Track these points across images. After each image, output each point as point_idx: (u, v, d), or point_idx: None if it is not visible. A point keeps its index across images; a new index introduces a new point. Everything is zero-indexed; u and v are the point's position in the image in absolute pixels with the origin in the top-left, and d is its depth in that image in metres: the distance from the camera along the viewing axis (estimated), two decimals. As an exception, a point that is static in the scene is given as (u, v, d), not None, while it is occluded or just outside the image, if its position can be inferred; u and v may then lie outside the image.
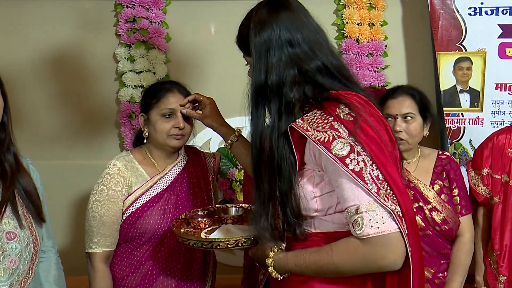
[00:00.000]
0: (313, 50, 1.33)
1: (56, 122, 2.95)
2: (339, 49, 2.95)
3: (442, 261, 2.11)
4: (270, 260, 1.37)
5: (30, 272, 1.56)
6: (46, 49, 2.90)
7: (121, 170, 1.87)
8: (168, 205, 1.88)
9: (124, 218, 1.86)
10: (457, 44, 2.70)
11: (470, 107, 2.72)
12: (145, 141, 1.95)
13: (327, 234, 1.34)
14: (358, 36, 2.91)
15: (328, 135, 1.24)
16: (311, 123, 1.28)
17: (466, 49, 2.68)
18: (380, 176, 1.23)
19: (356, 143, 1.23)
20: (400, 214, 1.21)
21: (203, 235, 1.60)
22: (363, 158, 1.22)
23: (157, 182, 1.90)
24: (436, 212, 2.07)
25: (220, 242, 1.48)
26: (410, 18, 2.97)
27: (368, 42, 2.92)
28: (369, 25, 2.93)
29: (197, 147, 2.16)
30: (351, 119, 1.26)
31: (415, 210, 2.06)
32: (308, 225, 1.37)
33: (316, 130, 1.26)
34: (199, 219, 1.69)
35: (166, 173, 1.92)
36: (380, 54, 2.94)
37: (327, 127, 1.26)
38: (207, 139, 2.93)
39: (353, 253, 1.24)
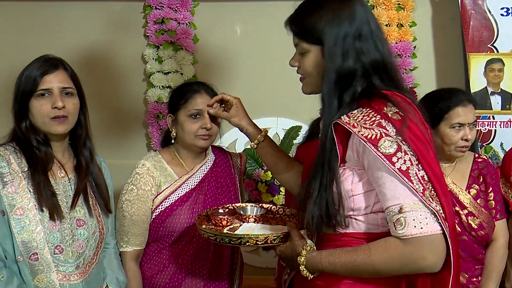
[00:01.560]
0: (377, 48, 1.34)
1: (85, 122, 3.00)
2: (366, 50, 2.92)
3: (476, 266, 2.07)
4: (303, 258, 1.35)
5: (95, 258, 1.69)
6: (76, 51, 2.95)
7: (150, 170, 1.89)
8: (196, 205, 1.90)
9: (153, 217, 1.88)
10: (488, 45, 2.64)
11: (501, 109, 2.66)
12: (173, 141, 1.96)
13: (360, 234, 1.33)
14: (387, 37, 2.88)
15: (376, 132, 1.24)
16: (357, 119, 1.28)
17: (498, 50, 2.62)
18: (426, 177, 1.22)
19: (403, 142, 1.23)
20: (444, 215, 1.20)
21: (226, 231, 1.59)
22: (409, 158, 1.22)
23: (185, 181, 1.92)
24: (472, 217, 2.02)
25: (249, 238, 1.45)
26: (440, 18, 2.93)
27: (396, 43, 2.89)
28: (397, 26, 2.90)
29: (224, 147, 2.17)
30: (399, 118, 1.26)
31: None
32: (339, 225, 1.35)
33: (363, 127, 1.26)
34: (221, 217, 1.68)
35: (194, 173, 1.94)
36: (408, 55, 2.90)
37: (375, 124, 1.25)
38: (233, 140, 2.94)
39: (393, 252, 1.22)
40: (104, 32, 2.99)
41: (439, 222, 1.19)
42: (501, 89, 2.65)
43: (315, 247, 1.38)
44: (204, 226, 1.63)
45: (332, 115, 1.33)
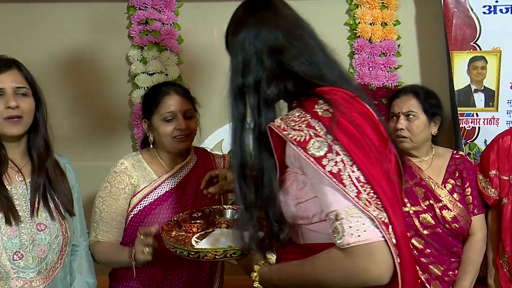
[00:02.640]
0: (293, 45, 1.25)
1: (70, 124, 2.98)
2: (351, 49, 2.94)
3: (452, 259, 2.11)
4: (255, 274, 1.29)
5: (59, 262, 1.65)
6: (60, 52, 2.93)
7: (128, 169, 1.89)
8: (176, 205, 1.89)
9: (131, 216, 1.88)
10: (471, 43, 2.66)
11: (485, 106, 2.68)
12: (151, 146, 1.96)
13: (315, 245, 1.22)
14: (371, 36, 2.89)
15: (305, 134, 1.14)
16: (287, 121, 1.18)
17: (481, 48, 2.65)
18: (362, 178, 1.10)
19: (334, 142, 1.12)
20: (386, 220, 1.08)
21: (193, 240, 1.53)
22: (342, 158, 1.10)
23: (165, 181, 1.91)
24: (447, 210, 2.08)
25: (207, 252, 1.38)
26: (424, 17, 2.94)
27: (380, 41, 2.90)
28: (381, 24, 2.91)
29: (207, 149, 2.16)
30: (329, 115, 1.15)
31: (425, 207, 2.06)
32: (296, 236, 1.28)
33: (293, 129, 1.16)
34: (192, 222, 1.62)
35: (174, 173, 1.93)
36: (393, 54, 2.92)
37: (304, 125, 1.16)
38: (219, 140, 2.93)
39: (334, 265, 1.11)
40: (88, 33, 2.96)
41: (380, 229, 1.06)
42: (484, 86, 2.68)
43: (273, 261, 1.30)
44: (174, 233, 1.59)
45: (238, 128, 1.27)
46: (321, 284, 1.16)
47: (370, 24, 2.90)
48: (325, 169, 1.11)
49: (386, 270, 1.07)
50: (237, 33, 1.29)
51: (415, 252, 2.07)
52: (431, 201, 2.09)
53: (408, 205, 2.09)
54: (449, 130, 2.73)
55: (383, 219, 1.08)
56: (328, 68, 1.27)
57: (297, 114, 1.20)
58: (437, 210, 2.08)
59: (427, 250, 2.07)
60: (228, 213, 1.72)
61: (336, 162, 1.11)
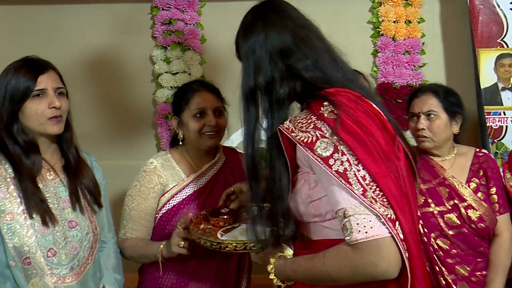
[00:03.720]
0: (300, 47, 1.28)
1: (95, 124, 3.02)
2: (374, 47, 2.91)
3: (478, 259, 2.07)
4: (271, 266, 1.33)
5: (90, 259, 1.68)
6: (84, 53, 2.97)
7: (157, 168, 1.91)
8: (204, 204, 1.90)
9: (160, 215, 1.90)
10: (498, 41, 2.62)
11: (512, 105, 2.64)
12: (180, 143, 1.97)
13: (329, 241, 1.25)
14: (394, 34, 2.87)
15: (312, 135, 1.19)
16: (295, 123, 1.23)
17: (508, 45, 2.60)
18: (367, 177, 1.14)
19: (340, 142, 1.16)
20: (393, 217, 1.12)
21: (219, 233, 1.57)
22: (347, 158, 1.15)
23: (193, 180, 1.92)
24: (472, 210, 2.04)
25: (228, 244, 1.45)
26: (449, 14, 2.91)
27: (404, 39, 2.88)
28: (405, 22, 2.88)
29: (236, 148, 2.17)
30: (334, 117, 1.19)
31: (450, 207, 2.03)
32: (310, 232, 1.32)
33: (300, 131, 1.21)
34: (219, 217, 1.66)
35: (203, 172, 1.94)
36: (417, 52, 2.89)
37: (311, 127, 1.20)
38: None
39: (344, 260, 1.16)
40: (112, 34, 3.00)
41: (387, 225, 1.11)
42: (511, 84, 2.63)
43: (290, 255, 1.34)
44: (202, 226, 1.63)
45: (251, 128, 1.31)
46: (331, 278, 1.20)
47: (394, 22, 2.87)
48: (331, 168, 1.15)
49: (394, 264, 1.12)
50: (247, 38, 1.33)
51: (441, 252, 2.03)
52: (455, 201, 2.05)
53: (432, 205, 2.05)
54: (475, 129, 2.69)
55: (389, 216, 1.12)
56: (334, 70, 1.30)
57: (304, 116, 1.25)
58: (462, 210, 2.04)
59: (453, 250, 2.04)
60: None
61: (342, 161, 1.15)
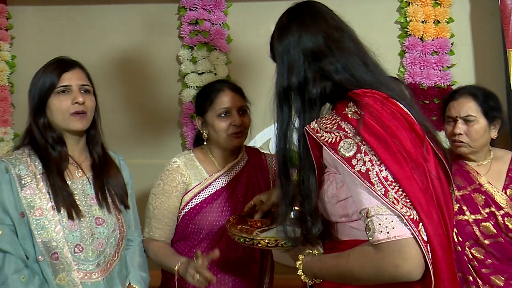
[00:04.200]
0: (331, 50, 1.30)
1: (121, 122, 3.06)
2: (402, 48, 2.88)
3: None
4: (299, 262, 1.35)
5: (116, 256, 1.71)
6: (112, 53, 3.02)
7: (180, 167, 1.92)
8: (226, 203, 1.91)
9: (183, 213, 1.91)
10: (530, 41, 2.56)
11: (544, 107, 2.57)
12: (205, 142, 1.98)
13: (356, 242, 1.25)
14: (423, 34, 2.83)
15: (335, 135, 1.21)
16: (321, 124, 1.26)
17: (540, 46, 2.54)
18: (390, 177, 1.14)
19: (363, 142, 1.17)
20: (416, 218, 1.11)
21: (255, 233, 1.61)
22: (370, 158, 1.16)
23: (216, 179, 1.93)
24: (509, 218, 1.94)
25: (260, 240, 1.50)
26: (479, 14, 2.85)
27: (433, 40, 2.83)
28: (434, 22, 2.84)
29: (259, 148, 2.17)
30: (357, 117, 1.20)
31: (486, 215, 1.95)
32: (338, 232, 1.33)
33: (325, 131, 1.23)
34: (257, 218, 1.70)
35: (225, 171, 1.95)
36: (446, 52, 2.84)
37: (335, 127, 1.22)
38: (267, 139, 2.94)
39: (367, 260, 1.16)
40: (139, 34, 3.04)
41: (409, 226, 1.10)
42: (543, 86, 2.57)
43: (319, 253, 1.36)
44: (239, 226, 1.67)
45: (283, 127, 1.34)
46: (354, 277, 1.20)
47: (422, 22, 2.83)
48: (354, 169, 1.16)
49: (416, 266, 1.11)
50: (282, 39, 1.35)
51: (475, 262, 1.95)
52: (492, 209, 1.95)
53: (467, 213, 1.97)
54: (505, 131, 2.63)
55: (412, 217, 1.11)
56: (364, 73, 1.31)
57: (329, 116, 1.27)
58: (499, 218, 1.93)
59: (488, 260, 1.93)
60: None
61: (364, 162, 1.16)
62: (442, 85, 2.82)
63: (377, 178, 1.14)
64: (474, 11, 2.86)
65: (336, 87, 1.30)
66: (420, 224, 1.12)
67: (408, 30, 2.84)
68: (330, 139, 1.21)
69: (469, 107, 1.98)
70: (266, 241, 1.48)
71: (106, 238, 1.67)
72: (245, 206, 1.82)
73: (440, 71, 2.84)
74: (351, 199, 1.23)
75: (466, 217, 1.97)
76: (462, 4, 2.86)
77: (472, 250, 1.96)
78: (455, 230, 1.95)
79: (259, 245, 1.49)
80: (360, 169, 1.16)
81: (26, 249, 1.57)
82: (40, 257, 1.56)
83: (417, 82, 2.84)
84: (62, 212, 1.59)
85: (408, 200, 1.13)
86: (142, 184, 2.89)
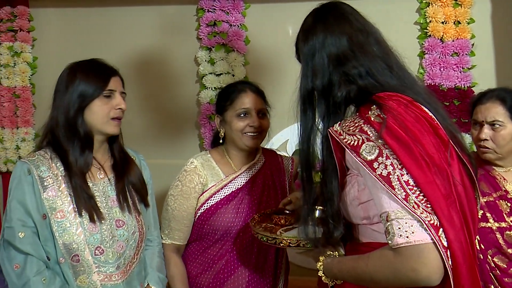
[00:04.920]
0: (355, 53, 1.30)
1: (139, 123, 3.09)
2: (421, 49, 2.85)
3: None
4: (320, 263, 1.36)
5: (136, 258, 1.72)
6: (131, 54, 3.05)
7: (197, 168, 1.93)
8: (242, 205, 1.91)
9: (199, 214, 1.92)
10: (553, 42, 2.51)
11: None
12: (221, 141, 1.99)
13: (377, 244, 1.25)
14: (443, 35, 2.80)
15: (358, 138, 1.21)
16: (344, 126, 1.26)
17: None
18: (411, 181, 1.14)
19: (385, 145, 1.17)
20: (436, 223, 1.11)
21: (279, 231, 1.62)
22: (391, 162, 1.15)
23: (232, 181, 1.94)
24: None
25: (282, 239, 1.50)
26: (500, 14, 2.80)
27: (453, 41, 2.80)
28: (454, 23, 2.80)
29: (276, 151, 2.17)
30: (380, 120, 1.20)
31: (511, 224, 1.89)
32: (360, 234, 1.33)
33: (348, 134, 1.23)
34: (281, 216, 1.71)
35: (241, 173, 1.95)
36: (466, 54, 2.80)
37: (357, 130, 1.22)
38: (284, 141, 2.94)
39: (385, 263, 1.16)
40: (158, 35, 3.06)
41: (429, 231, 1.10)
42: None
43: (341, 254, 1.36)
44: (264, 224, 1.68)
45: (308, 129, 1.34)
46: (373, 280, 1.21)
47: (442, 22, 2.80)
48: (375, 172, 1.16)
49: (435, 271, 1.10)
50: (307, 40, 1.35)
51: (498, 271, 1.89)
52: None
53: (491, 220, 1.91)
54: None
55: (432, 222, 1.11)
56: (388, 77, 1.30)
57: (352, 119, 1.27)
58: None
59: (511, 269, 1.89)
60: (317, 212, 1.75)
61: (386, 165, 1.16)
62: (462, 86, 2.78)
63: (398, 182, 1.14)
64: (496, 11, 2.81)
65: (360, 91, 1.29)
66: (441, 229, 1.11)
67: (427, 31, 2.81)
68: (353, 142, 1.21)
69: (496, 112, 1.91)
70: (288, 241, 1.49)
71: (126, 240, 1.68)
72: (261, 207, 1.82)
73: (460, 72, 2.80)
74: (373, 202, 1.23)
75: (489, 225, 1.92)
76: (483, 5, 2.81)
77: (494, 259, 1.91)
78: (477, 237, 1.89)
79: (281, 245, 1.50)
80: (381, 172, 1.16)
81: (47, 250, 1.58)
82: (61, 258, 1.58)
83: (436, 84, 2.80)
84: (84, 215, 1.60)
85: (429, 205, 1.12)
86: (160, 184, 2.91)
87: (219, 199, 1.91)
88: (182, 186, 1.92)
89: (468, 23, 2.80)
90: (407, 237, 1.11)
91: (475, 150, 2.03)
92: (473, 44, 2.81)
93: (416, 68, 2.86)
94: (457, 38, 2.80)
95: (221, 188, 1.92)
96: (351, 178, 1.29)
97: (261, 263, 1.92)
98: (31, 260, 1.56)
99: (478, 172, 1.93)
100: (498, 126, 1.91)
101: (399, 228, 1.12)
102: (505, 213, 1.91)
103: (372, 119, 1.21)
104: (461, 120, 2.78)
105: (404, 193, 1.13)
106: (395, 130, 1.18)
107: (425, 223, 1.10)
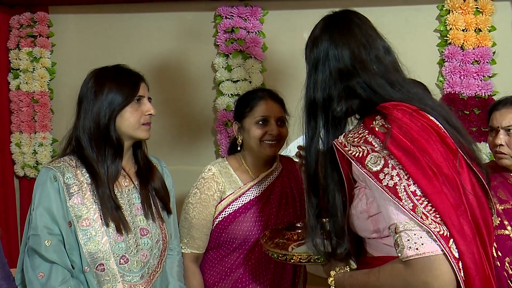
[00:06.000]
0: (356, 69, 1.28)
1: (156, 129, 3.05)
2: (441, 57, 2.81)
3: None
4: (331, 279, 1.34)
5: (159, 267, 1.71)
6: (150, 59, 3.06)
7: (215, 175, 1.91)
8: (260, 213, 1.89)
9: (216, 222, 1.90)
10: None
11: None
12: (238, 148, 1.98)
13: (389, 258, 1.22)
14: (463, 43, 2.76)
15: (363, 149, 1.19)
16: (348, 138, 1.24)
17: None
18: (418, 192, 1.11)
19: (390, 156, 1.15)
20: (446, 234, 1.08)
21: (291, 247, 1.60)
22: (397, 172, 1.13)
23: (250, 189, 1.92)
24: None
25: (293, 255, 1.48)
26: (522, 22, 2.76)
27: (474, 48, 2.76)
28: (475, 30, 2.76)
29: (293, 157, 2.15)
30: (385, 130, 1.18)
31: None
32: (371, 248, 1.31)
33: (352, 145, 1.21)
34: (294, 231, 1.68)
35: (259, 181, 1.94)
36: (487, 62, 2.75)
37: (362, 141, 1.20)
38: (301, 148, 2.91)
39: (396, 277, 1.14)
40: (176, 41, 3.07)
41: (439, 242, 1.07)
42: None
43: (352, 268, 1.33)
44: (277, 240, 1.66)
45: (313, 141, 1.32)
46: None
47: (463, 30, 2.76)
48: (382, 183, 1.14)
49: (447, 284, 1.08)
50: (312, 51, 1.35)
51: None
52: None
53: (509, 227, 1.89)
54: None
55: (441, 232, 1.08)
56: (391, 91, 1.28)
57: (356, 130, 1.26)
58: None
59: None
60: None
61: (392, 176, 1.14)
62: (483, 95, 2.74)
63: (405, 192, 1.12)
64: (518, 19, 2.77)
65: (364, 103, 1.28)
66: (451, 240, 1.09)
67: (448, 38, 2.78)
68: (358, 153, 1.19)
69: (511, 118, 1.91)
70: (299, 257, 1.46)
71: (150, 249, 1.66)
72: (279, 216, 1.80)
73: (481, 80, 2.76)
74: (382, 215, 1.21)
75: (507, 232, 1.90)
76: (504, 12, 2.77)
77: None
78: (494, 244, 1.87)
79: (292, 261, 1.48)
80: (387, 183, 1.13)
81: (72, 259, 1.56)
82: (86, 267, 1.56)
83: (456, 92, 2.76)
84: (110, 225, 1.58)
85: (437, 216, 1.10)
86: (176, 190, 2.91)
87: (237, 208, 1.89)
88: (200, 194, 1.90)
89: (489, 31, 2.76)
90: (417, 248, 1.08)
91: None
92: (494, 52, 2.77)
93: (436, 76, 2.83)
94: (478, 46, 2.76)
95: (239, 196, 1.90)
96: (359, 191, 1.27)
97: (279, 273, 1.90)
98: (56, 269, 1.53)
99: (496, 179, 1.95)
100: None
101: (408, 240, 1.10)
102: None
103: (377, 129, 1.20)
104: (481, 129, 2.73)
105: (412, 204, 1.11)
106: (400, 139, 1.16)
107: (434, 234, 1.08)
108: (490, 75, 2.76)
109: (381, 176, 1.14)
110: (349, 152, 1.21)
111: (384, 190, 1.13)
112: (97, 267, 1.56)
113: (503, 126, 1.92)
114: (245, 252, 1.88)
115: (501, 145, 1.91)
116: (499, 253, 1.88)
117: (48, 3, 3.14)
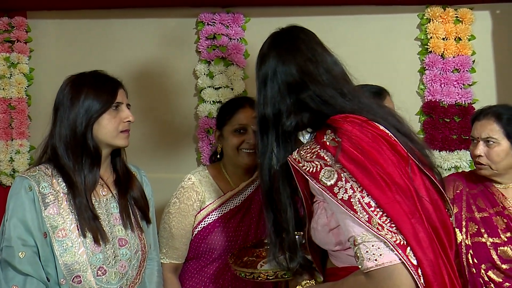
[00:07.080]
0: (305, 82, 1.30)
1: (136, 136, 3.02)
2: (422, 65, 2.84)
3: None
4: None
5: (138, 278, 1.66)
6: (130, 66, 3.02)
7: (195, 184, 1.89)
8: (240, 223, 1.88)
9: (196, 232, 1.88)
10: (554, 59, 2.50)
11: None
12: (218, 156, 1.96)
13: (355, 268, 1.22)
14: (443, 51, 2.79)
15: (316, 164, 1.20)
16: (301, 153, 1.25)
17: None
18: (372, 203, 1.13)
19: (343, 169, 1.16)
20: (402, 242, 1.10)
21: (260, 264, 1.61)
22: (351, 185, 1.15)
23: (230, 198, 1.90)
24: None
25: (260, 273, 1.50)
26: (501, 31, 2.81)
27: (454, 57, 2.79)
28: (455, 39, 2.80)
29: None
30: (335, 144, 1.20)
31: (506, 240, 1.89)
32: (336, 260, 1.32)
33: (306, 161, 1.23)
34: (262, 248, 1.69)
35: (239, 190, 1.92)
36: (467, 70, 2.79)
37: (315, 156, 1.22)
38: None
39: (359, 287, 1.15)
40: (157, 48, 3.04)
41: (396, 252, 1.09)
42: None
43: (318, 282, 1.35)
44: (245, 258, 1.67)
45: (266, 157, 1.33)
46: None
47: (443, 39, 2.79)
48: (337, 197, 1.16)
49: None
50: (261, 67, 1.37)
51: (492, 285, 1.90)
52: None
53: (485, 235, 1.92)
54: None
55: (398, 242, 1.10)
56: (342, 102, 1.30)
57: (309, 146, 1.26)
58: None
59: (506, 283, 1.89)
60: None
61: (346, 189, 1.15)
62: (463, 103, 2.77)
63: (359, 205, 1.13)
64: (496, 28, 2.81)
65: (315, 115, 1.30)
66: (408, 248, 1.10)
67: (428, 47, 2.80)
68: (311, 169, 1.20)
69: (491, 129, 1.94)
70: (266, 274, 1.47)
71: (128, 260, 1.61)
72: (259, 226, 1.79)
73: (461, 89, 2.79)
74: (341, 227, 1.22)
75: (483, 240, 1.93)
76: (484, 21, 2.81)
77: (489, 273, 1.91)
78: (470, 251, 1.91)
79: (260, 279, 1.48)
80: (342, 197, 1.15)
81: (47, 271, 1.51)
82: (62, 280, 1.51)
83: (437, 100, 2.79)
84: (87, 235, 1.53)
85: (393, 225, 1.12)
86: (157, 198, 2.87)
87: (216, 217, 1.87)
88: (180, 204, 1.87)
89: (469, 40, 2.80)
90: (376, 260, 1.10)
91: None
92: (473, 61, 2.80)
93: (417, 84, 2.85)
94: (458, 55, 2.79)
95: (219, 206, 1.88)
96: (318, 205, 1.29)
97: (260, 285, 1.87)
98: (31, 281, 1.49)
99: (478, 187, 1.97)
100: (492, 143, 1.93)
101: (367, 251, 1.11)
102: (501, 229, 1.92)
103: (328, 143, 1.21)
104: (462, 137, 2.76)
105: (367, 216, 1.12)
106: (351, 152, 1.17)
107: (391, 244, 1.09)
108: (470, 83, 2.79)
109: (335, 190, 1.16)
110: (303, 168, 1.22)
111: (339, 203, 1.15)
112: (73, 279, 1.51)
113: (482, 138, 1.95)
114: (225, 262, 1.86)
115: (480, 155, 1.94)
116: (475, 260, 1.91)
117: (27, 8, 3.08)
